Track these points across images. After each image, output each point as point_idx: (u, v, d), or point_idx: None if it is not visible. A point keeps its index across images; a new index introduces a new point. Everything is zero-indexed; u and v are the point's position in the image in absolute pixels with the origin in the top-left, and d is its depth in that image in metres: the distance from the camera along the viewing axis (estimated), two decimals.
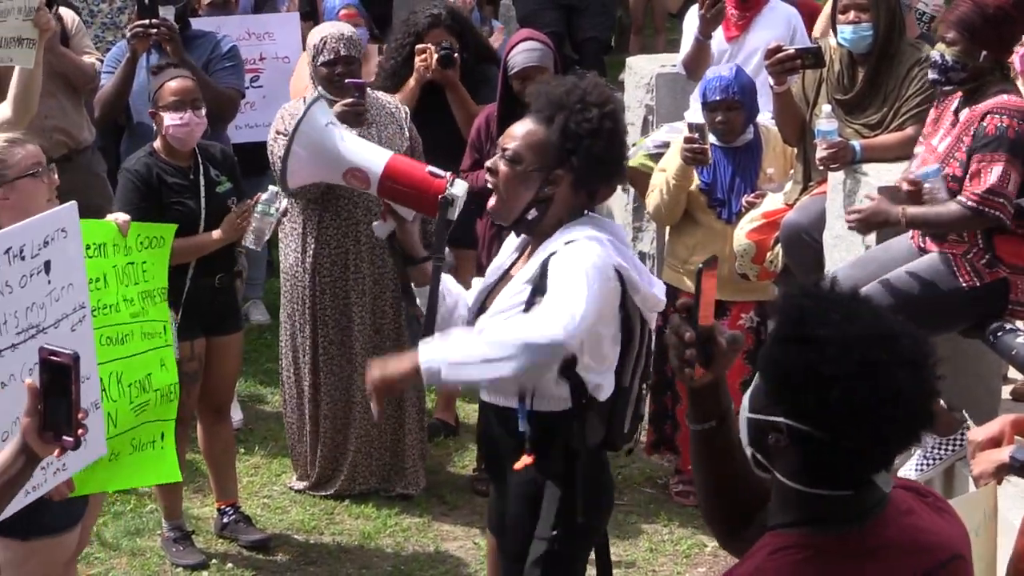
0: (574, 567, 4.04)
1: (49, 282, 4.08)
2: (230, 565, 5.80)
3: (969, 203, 4.94)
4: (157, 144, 5.72)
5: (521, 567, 3.97)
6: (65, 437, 2.84)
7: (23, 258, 3.99)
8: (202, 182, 5.69)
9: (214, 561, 5.81)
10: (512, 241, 4.11)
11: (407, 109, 6.31)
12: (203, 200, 5.66)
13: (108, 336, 4.77)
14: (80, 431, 2.85)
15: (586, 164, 3.81)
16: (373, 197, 6.00)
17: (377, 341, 6.22)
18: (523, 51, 6.11)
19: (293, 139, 3.92)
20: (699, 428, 2.65)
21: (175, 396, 5.16)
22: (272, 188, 5.72)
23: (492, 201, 3.92)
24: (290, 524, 6.14)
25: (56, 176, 4.66)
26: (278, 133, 6.08)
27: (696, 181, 6.09)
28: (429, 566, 5.83)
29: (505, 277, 4.01)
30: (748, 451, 2.50)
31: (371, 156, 3.99)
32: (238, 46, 7.08)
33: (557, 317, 3.65)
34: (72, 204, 4.40)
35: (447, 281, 4.06)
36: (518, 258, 4.02)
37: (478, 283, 4.16)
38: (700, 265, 2.67)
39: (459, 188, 3.92)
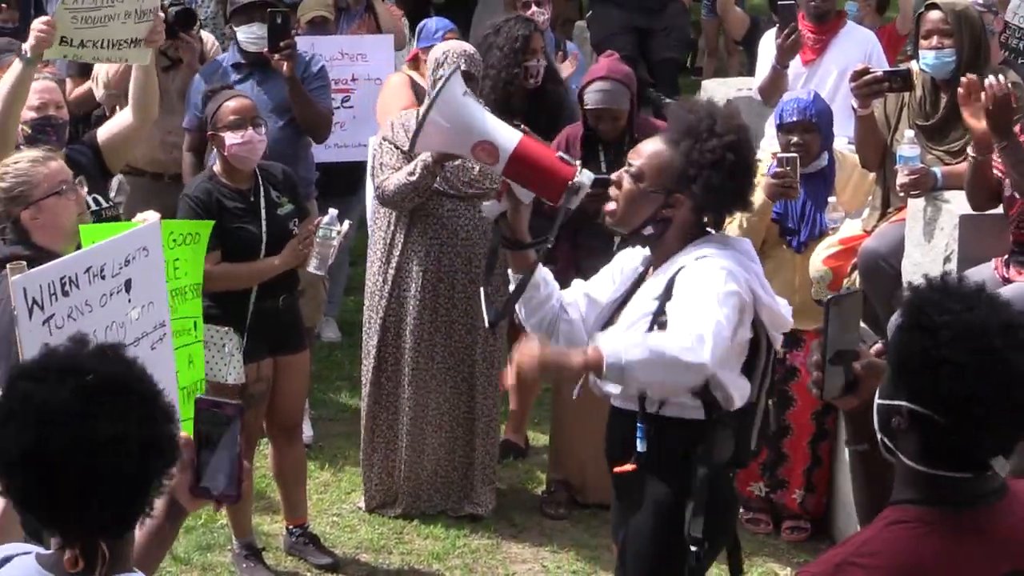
0: None
1: (129, 301, 4.10)
2: None
3: None
4: (217, 167, 5.70)
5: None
6: (226, 492, 2.66)
7: (103, 277, 4.01)
8: (262, 204, 5.65)
9: None
10: (634, 256, 4.13)
11: None
12: (264, 223, 5.63)
13: None
14: (244, 484, 2.68)
15: (705, 192, 3.87)
16: (462, 221, 6.11)
17: (461, 361, 6.22)
18: (595, 91, 6.13)
19: (432, 105, 3.89)
20: (853, 449, 2.79)
21: (200, 392, 5.17)
22: (332, 211, 5.70)
23: (611, 206, 3.96)
24: (359, 543, 6.14)
25: (84, 191, 4.66)
26: (384, 140, 6.14)
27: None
28: None
29: (633, 292, 4.04)
30: (879, 437, 2.62)
31: (504, 132, 3.97)
32: (331, 66, 7.14)
33: (701, 340, 3.70)
34: (155, 223, 4.42)
35: (544, 272, 4.10)
36: (644, 272, 4.06)
37: (578, 285, 4.19)
38: (830, 295, 2.87)
39: (587, 177, 3.90)
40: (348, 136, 7.40)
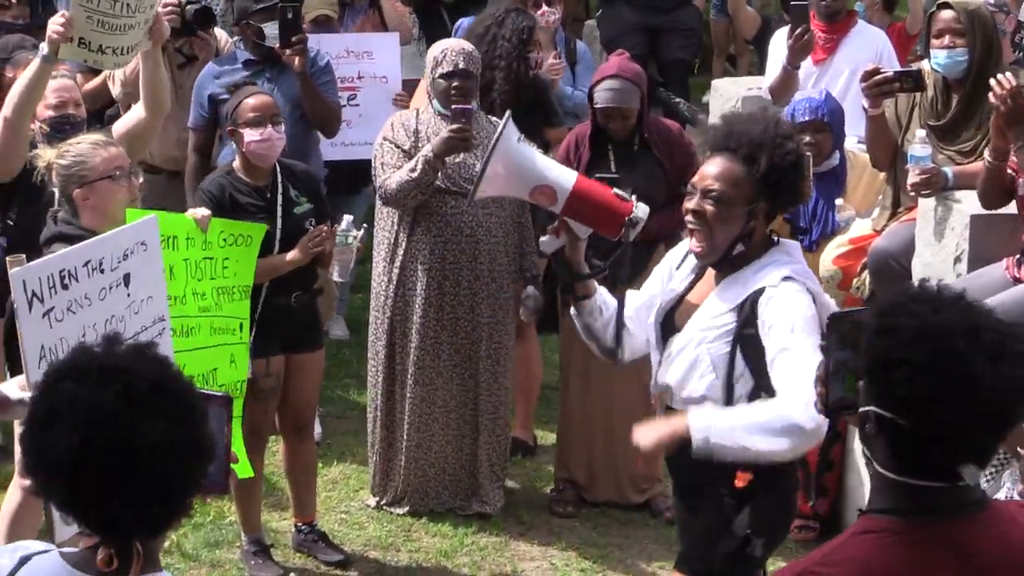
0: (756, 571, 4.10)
1: (128, 295, 4.11)
2: None
3: None
4: (236, 163, 5.70)
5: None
6: (213, 481, 2.65)
7: (102, 271, 4.02)
8: (279, 201, 5.64)
9: (292, 574, 5.81)
10: (681, 253, 4.18)
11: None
12: (279, 220, 5.62)
13: (172, 327, 4.81)
14: (230, 476, 2.71)
15: (785, 194, 3.98)
16: (466, 217, 6.11)
17: (468, 359, 6.23)
18: (605, 89, 6.12)
19: (491, 156, 4.01)
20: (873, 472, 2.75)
21: (241, 393, 5.24)
22: (348, 217, 5.71)
23: (696, 243, 3.99)
24: (367, 540, 6.14)
25: (140, 180, 4.72)
26: (384, 139, 6.14)
27: None
28: None
29: (685, 297, 4.09)
30: (862, 447, 2.62)
31: (560, 174, 4.11)
32: (337, 64, 7.15)
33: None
34: (153, 217, 4.44)
35: (602, 296, 4.21)
36: (695, 279, 4.10)
37: (632, 297, 4.26)
38: (838, 305, 2.83)
39: (642, 211, 4.05)
40: (355, 134, 7.38)
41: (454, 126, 5.89)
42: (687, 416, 3.87)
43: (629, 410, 6.39)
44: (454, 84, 6.07)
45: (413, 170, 5.97)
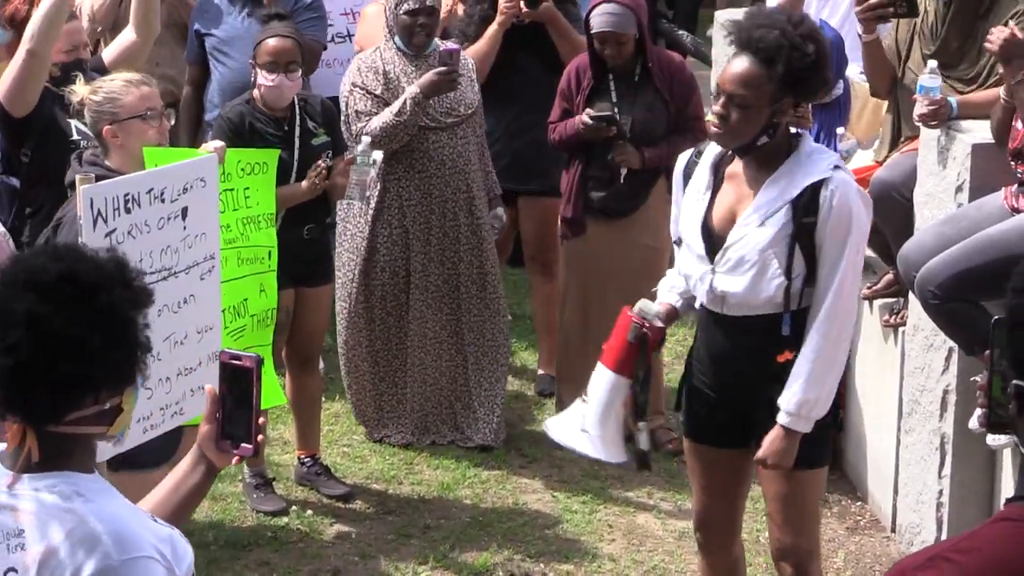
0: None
1: (184, 228, 4.22)
2: (310, 512, 5.83)
3: None
4: (256, 92, 5.72)
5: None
6: (244, 444, 2.64)
7: (163, 200, 4.14)
8: (297, 133, 5.68)
9: (294, 508, 5.84)
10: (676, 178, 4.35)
11: (473, 62, 6.30)
12: (296, 151, 5.65)
13: None
14: (260, 437, 2.64)
15: (805, 91, 4.16)
16: (447, 150, 6.09)
17: (455, 287, 6.26)
18: (600, 14, 6.07)
19: None
20: None
21: (271, 321, 5.28)
22: (366, 139, 5.74)
23: (716, 131, 4.14)
24: (369, 473, 6.17)
25: (171, 122, 4.71)
26: (355, 86, 6.11)
27: None
28: (507, 518, 5.83)
29: (715, 202, 4.20)
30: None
31: None
32: None
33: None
34: (212, 156, 4.54)
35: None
36: (721, 175, 4.23)
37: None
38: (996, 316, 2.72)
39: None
40: None
41: (442, 68, 5.91)
42: (778, 425, 4.10)
43: None
44: (419, 22, 6.05)
45: (400, 113, 5.95)
